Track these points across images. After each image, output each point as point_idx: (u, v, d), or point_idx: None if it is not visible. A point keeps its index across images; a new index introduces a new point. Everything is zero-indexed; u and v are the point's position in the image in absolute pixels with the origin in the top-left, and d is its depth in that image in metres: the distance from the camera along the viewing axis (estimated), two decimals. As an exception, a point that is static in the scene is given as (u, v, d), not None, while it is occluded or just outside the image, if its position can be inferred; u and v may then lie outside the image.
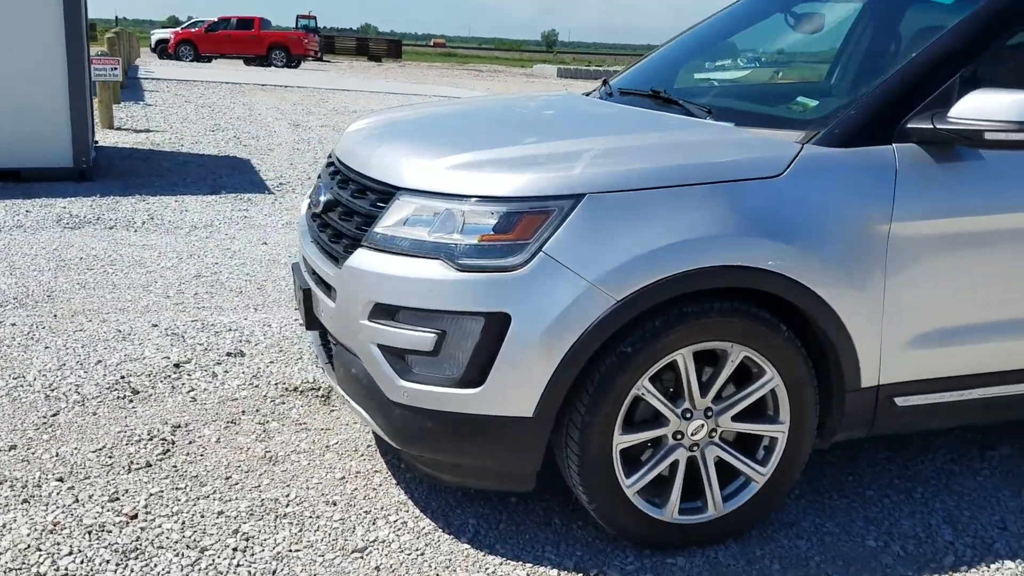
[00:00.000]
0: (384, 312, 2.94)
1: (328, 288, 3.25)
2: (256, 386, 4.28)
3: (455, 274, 2.80)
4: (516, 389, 2.82)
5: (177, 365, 4.46)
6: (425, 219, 2.93)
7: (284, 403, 4.12)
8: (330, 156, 3.85)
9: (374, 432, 3.38)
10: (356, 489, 3.42)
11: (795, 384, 3.03)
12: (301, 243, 3.71)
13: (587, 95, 4.49)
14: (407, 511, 3.29)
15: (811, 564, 3.08)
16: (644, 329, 2.81)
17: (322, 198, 3.43)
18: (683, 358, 2.92)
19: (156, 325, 5.03)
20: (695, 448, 3.04)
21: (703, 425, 3.02)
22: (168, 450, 3.62)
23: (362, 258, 3.02)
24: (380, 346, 2.96)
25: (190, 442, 3.71)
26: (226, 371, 4.43)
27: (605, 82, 4.41)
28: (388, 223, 3.00)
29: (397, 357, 2.94)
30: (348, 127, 3.91)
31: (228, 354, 4.65)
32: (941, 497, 3.55)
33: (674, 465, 3.05)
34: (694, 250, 2.80)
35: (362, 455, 3.68)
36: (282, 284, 5.98)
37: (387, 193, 3.05)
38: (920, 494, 3.57)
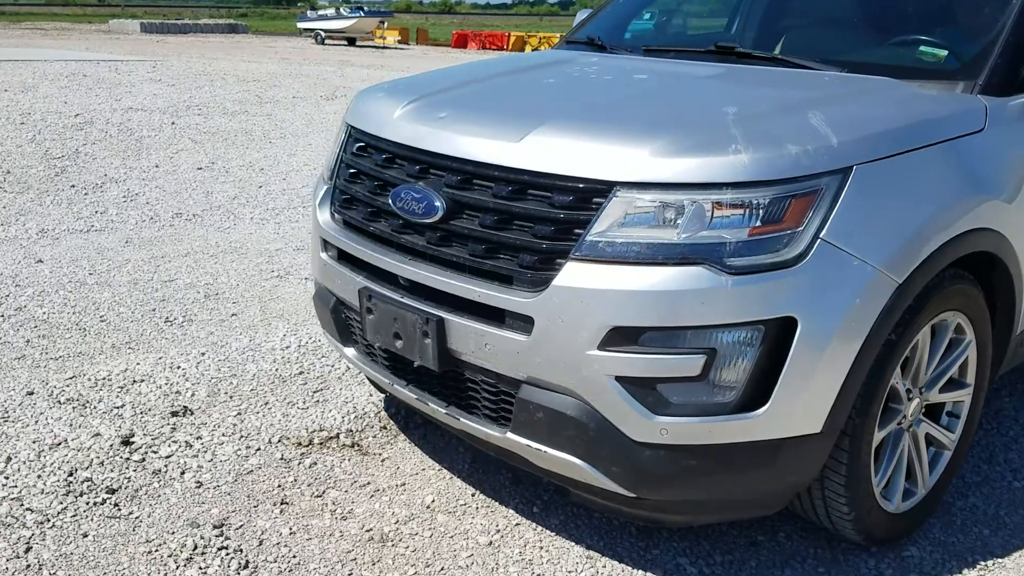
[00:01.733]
0: (623, 337, 2.35)
1: (493, 317, 2.55)
2: (258, 449, 3.33)
3: (726, 278, 2.30)
4: (806, 403, 2.41)
5: (126, 442, 3.34)
6: (649, 217, 2.37)
7: (315, 462, 3.25)
8: (368, 144, 3.02)
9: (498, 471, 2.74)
10: (533, 550, 2.78)
11: (983, 343, 2.94)
12: (359, 259, 2.88)
13: (582, 56, 3.97)
14: (629, 557, 2.74)
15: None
16: (904, 312, 2.53)
17: (436, 203, 2.65)
18: (922, 336, 2.69)
19: (32, 393, 3.74)
20: (910, 428, 2.84)
21: (917, 403, 2.82)
22: (246, 562, 2.68)
23: (579, 274, 2.38)
24: (621, 378, 2.37)
25: (259, 543, 2.78)
26: (196, 437, 3.40)
27: (596, 42, 3.92)
28: (602, 227, 2.39)
29: (646, 389, 2.38)
30: (378, 107, 3.09)
31: (173, 414, 3.58)
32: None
33: (901, 451, 2.83)
34: (950, 218, 2.58)
35: (478, 507, 3.01)
36: (136, 314, 4.76)
37: (593, 191, 2.42)
38: None
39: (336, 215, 3.12)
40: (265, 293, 5.12)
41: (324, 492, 3.07)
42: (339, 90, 14.69)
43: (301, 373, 4.00)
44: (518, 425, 2.59)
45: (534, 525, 2.93)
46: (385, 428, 3.52)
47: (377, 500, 3.04)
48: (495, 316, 2.55)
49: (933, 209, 2.55)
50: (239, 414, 3.59)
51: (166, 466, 3.18)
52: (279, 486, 3.09)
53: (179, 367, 4.02)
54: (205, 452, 3.29)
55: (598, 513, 2.99)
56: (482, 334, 2.56)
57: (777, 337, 2.35)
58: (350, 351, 3.18)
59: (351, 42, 42.48)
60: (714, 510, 2.64)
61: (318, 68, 19.86)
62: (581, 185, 2.43)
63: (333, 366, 4.09)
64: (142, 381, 3.86)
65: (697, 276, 2.31)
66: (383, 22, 45.12)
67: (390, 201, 2.79)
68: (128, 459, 3.22)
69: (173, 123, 10.87)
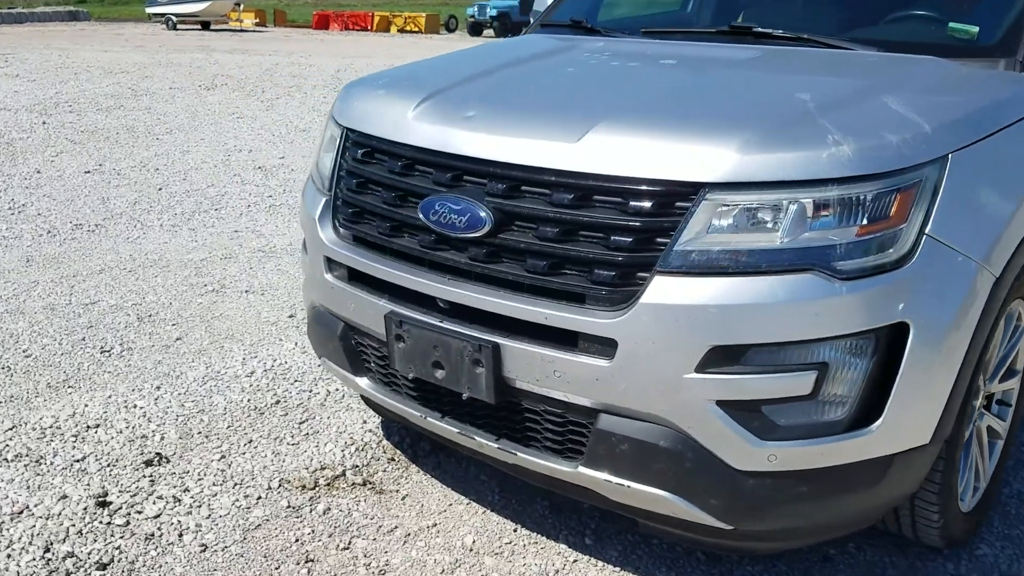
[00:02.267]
0: (725, 357, 2.11)
1: (563, 341, 2.26)
2: (259, 497, 2.94)
3: (839, 284, 2.09)
4: (917, 414, 2.23)
5: (101, 503, 2.89)
6: (744, 221, 2.13)
7: (328, 508, 2.89)
8: (377, 149, 2.66)
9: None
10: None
11: (1034, 327, 2.84)
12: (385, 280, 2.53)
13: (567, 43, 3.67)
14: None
15: None
16: (996, 306, 2.38)
17: (481, 215, 2.33)
18: (999, 328, 2.56)
19: (-31, 449, 3.22)
20: (976, 422, 2.72)
21: (982, 396, 2.70)
22: (289, 641, 2.31)
23: (670, 289, 2.12)
24: (722, 403, 2.13)
25: (298, 616, 2.42)
26: (183, 490, 2.98)
27: (584, 25, 3.62)
28: (691, 235, 2.13)
29: (751, 413, 2.14)
30: (382, 106, 2.72)
31: (147, 464, 3.13)
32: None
33: (972, 447, 2.70)
34: (1033, 202, 2.43)
35: (525, 545, 2.73)
36: (64, 345, 4.22)
37: (675, 194, 2.15)
38: None
39: (342, 230, 2.75)
40: (205, 311, 4.64)
41: (350, 543, 2.72)
42: (218, 79, 13.88)
43: (278, 403, 3.60)
44: (594, 459, 2.32)
45: (593, 560, 2.67)
46: (393, 460, 3.18)
47: (412, 546, 2.71)
48: (566, 340, 2.26)
49: (1020, 195, 2.40)
50: (223, 457, 3.18)
51: (158, 529, 2.76)
52: (297, 540, 2.72)
53: (135, 406, 3.55)
54: (199, 507, 2.87)
55: (657, 539, 2.75)
56: (549, 360, 2.27)
57: (889, 345, 2.16)
58: (363, 381, 2.83)
59: (205, 26, 40.57)
60: (809, 534, 2.44)
61: (186, 56, 18.76)
62: (660, 189, 2.16)
63: (311, 391, 3.70)
64: (97, 426, 3.38)
65: (808, 284, 2.08)
66: (239, 4, 43.26)
67: (420, 214, 2.45)
68: (110, 524, 2.77)
69: (44, 122, 9.97)
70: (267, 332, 4.33)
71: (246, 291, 4.94)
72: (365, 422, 3.43)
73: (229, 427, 3.39)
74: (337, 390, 3.70)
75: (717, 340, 2.10)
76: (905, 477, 2.30)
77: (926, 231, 2.17)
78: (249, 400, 3.61)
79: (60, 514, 2.81)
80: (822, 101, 2.36)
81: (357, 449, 3.23)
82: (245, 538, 2.73)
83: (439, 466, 3.14)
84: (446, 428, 2.60)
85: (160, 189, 7.31)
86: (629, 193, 2.19)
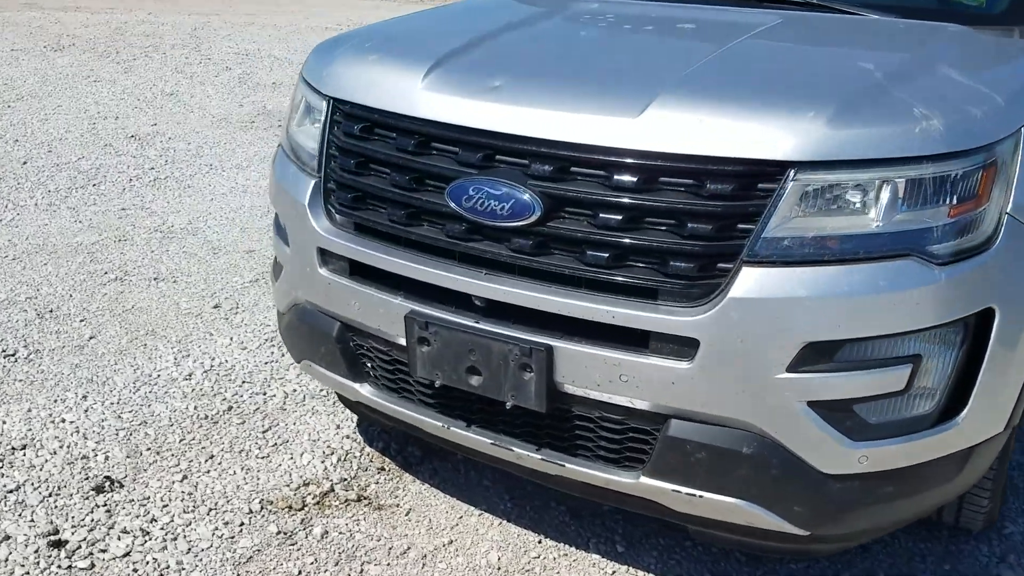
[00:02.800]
0: (818, 354, 1.93)
1: (631, 341, 2.02)
2: (241, 524, 2.58)
3: (938, 270, 1.94)
4: (996, 403, 2.14)
5: (55, 543, 2.46)
6: (836, 203, 1.95)
7: (325, 531, 2.57)
8: (379, 124, 2.32)
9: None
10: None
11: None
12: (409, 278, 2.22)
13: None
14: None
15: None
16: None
17: (527, 199, 2.06)
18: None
19: None
20: None
21: None
22: None
23: (761, 281, 1.92)
24: (814, 404, 1.96)
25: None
26: (149, 520, 2.58)
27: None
28: (780, 220, 1.93)
29: (843, 413, 1.98)
30: (379, 74, 2.38)
31: (97, 491, 2.71)
32: None
33: (1005, 427, 2.64)
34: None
35: (555, 558, 2.49)
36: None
37: (758, 174, 1.94)
38: None
39: (339, 217, 2.40)
40: (113, 304, 4.13)
41: (362, 570, 2.41)
42: (63, 39, 12.66)
43: (231, 409, 3.20)
44: (660, 468, 2.10)
45: (631, 570, 2.46)
46: (384, 469, 2.87)
47: (432, 569, 2.43)
48: (635, 340, 2.03)
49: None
50: (185, 477, 2.79)
51: (133, 571, 2.36)
52: (300, 573, 2.39)
53: (64, 420, 3.08)
54: (174, 540, 2.49)
55: (691, 541, 2.57)
56: (615, 364, 2.03)
57: (976, 333, 2.03)
58: (364, 388, 2.50)
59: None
60: (877, 532, 2.32)
61: (23, 15, 17.13)
62: (741, 169, 1.95)
63: (264, 394, 3.32)
64: (24, 448, 2.91)
65: (908, 271, 1.92)
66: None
67: (448, 200, 2.15)
68: (71, 568, 2.36)
69: None
70: (193, 326, 3.88)
71: (155, 279, 4.43)
72: (339, 427, 3.09)
73: (182, 441, 2.98)
74: (296, 391, 3.34)
75: (812, 336, 1.91)
76: (978, 467, 2.20)
77: (1007, 210, 2.05)
78: (196, 408, 3.20)
79: (7, 559, 2.37)
80: (887, 71, 2.19)
81: (340, 459, 2.90)
82: (239, 567, 2.37)
83: (436, 473, 2.86)
84: (475, 439, 2.32)
85: (24, 163, 6.54)
86: (704, 174, 1.96)
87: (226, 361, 3.55)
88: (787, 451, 1.99)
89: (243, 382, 3.40)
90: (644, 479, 2.13)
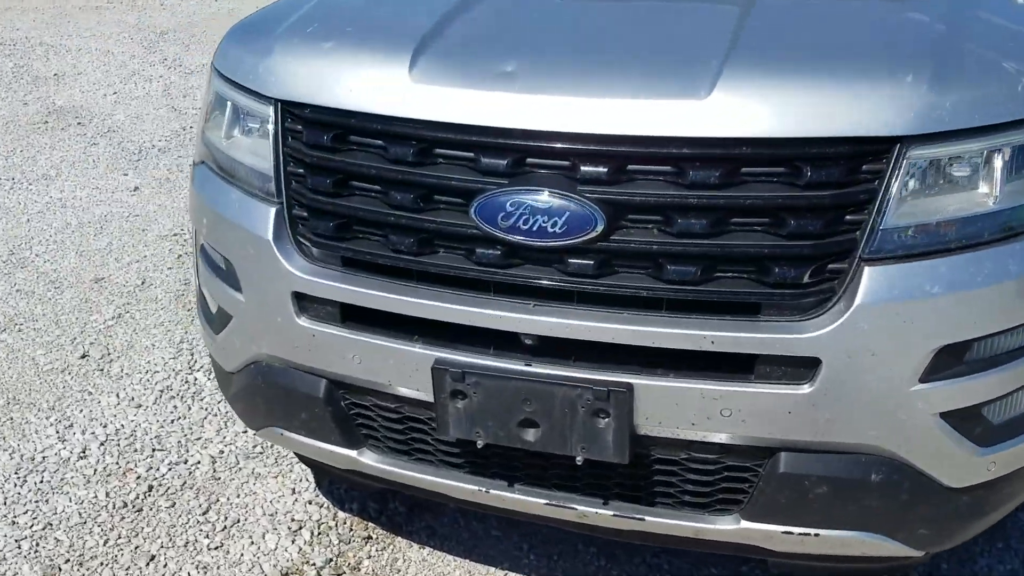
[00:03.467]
0: (951, 358, 1.67)
1: (733, 368, 1.68)
2: (222, 644, 2.06)
3: (1060, 247, 1.72)
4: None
5: None
6: (951, 181, 1.68)
7: (330, 635, 2.09)
8: (361, 130, 1.85)
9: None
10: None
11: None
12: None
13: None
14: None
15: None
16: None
17: (585, 212, 1.66)
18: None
19: None
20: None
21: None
22: None
23: (888, 281, 1.63)
24: (947, 414, 1.70)
25: None
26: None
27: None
28: (896, 206, 1.65)
29: (973, 419, 1.74)
30: (346, 65, 1.89)
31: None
32: None
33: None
34: None
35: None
36: None
37: (862, 154, 1.63)
38: None
39: (317, 251, 1.91)
40: (-51, 368, 3.36)
41: None
42: None
43: (152, 488, 2.62)
44: (767, 509, 1.79)
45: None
46: (371, 538, 2.41)
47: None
48: (737, 366, 1.69)
49: None
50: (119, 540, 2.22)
51: None
52: None
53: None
54: None
55: (749, 566, 2.29)
56: (716, 397, 1.69)
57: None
58: (366, 456, 2.04)
59: None
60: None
61: None
62: (840, 150, 1.64)
63: (186, 462, 2.76)
64: None
65: (1030, 251, 1.69)
66: None
67: (477, 220, 1.72)
68: None
69: None
70: (64, 386, 3.20)
71: (3, 330, 3.67)
72: (295, 491, 2.59)
73: (107, 543, 2.39)
74: (224, 452, 2.79)
75: (947, 338, 1.65)
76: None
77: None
78: (108, 494, 2.59)
79: None
80: (946, 22, 1.93)
81: (314, 534, 2.41)
82: None
83: (433, 532, 2.43)
84: (523, 501, 1.92)
85: None
86: (799, 160, 1.64)
87: (122, 426, 2.93)
88: (917, 471, 1.72)
89: (154, 450, 2.81)
90: (745, 523, 1.81)
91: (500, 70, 1.79)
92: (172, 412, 3.01)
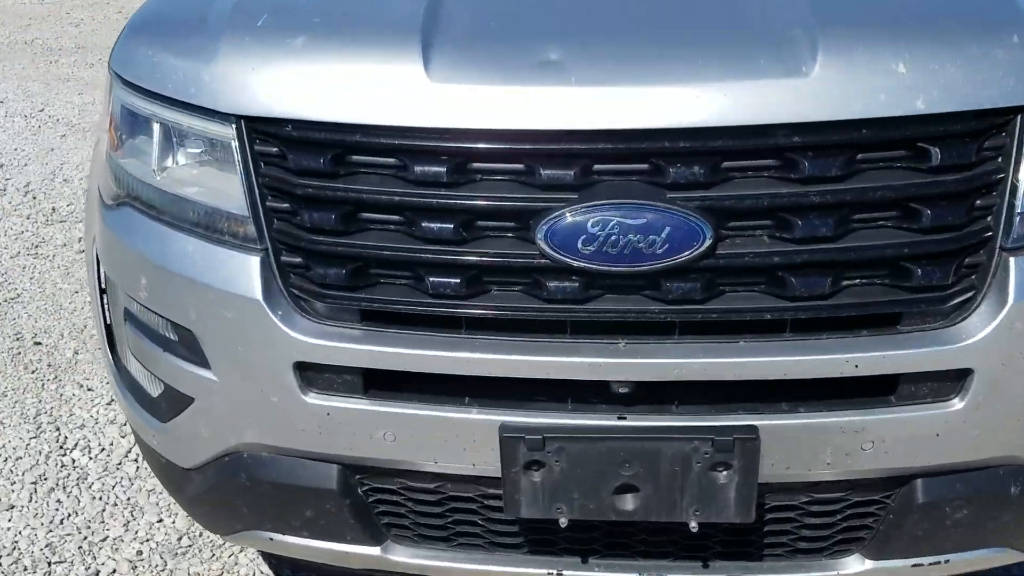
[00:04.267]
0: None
1: (873, 392, 1.43)
2: None
3: None
4: None
5: None
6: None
7: None
8: (370, 148, 1.43)
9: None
10: None
11: None
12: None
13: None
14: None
15: None
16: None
17: (688, 225, 1.34)
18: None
19: None
20: None
21: None
22: None
23: (1042, 276, 1.42)
24: (1086, 411, 1.52)
25: None
26: None
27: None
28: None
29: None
30: (335, 70, 1.46)
31: None
32: None
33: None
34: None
35: None
36: None
37: (981, 131, 1.41)
38: None
39: (325, 306, 1.48)
40: None
41: None
42: None
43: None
44: (897, 545, 1.56)
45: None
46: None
47: None
48: (878, 390, 1.44)
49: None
50: None
51: None
52: None
53: None
54: None
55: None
56: (857, 429, 1.43)
57: None
58: (394, 551, 1.63)
59: None
60: None
61: None
62: (961, 126, 1.41)
63: (132, 563, 2.21)
64: None
65: None
66: None
67: (547, 247, 1.36)
68: None
69: None
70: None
71: None
72: (257, 591, 2.11)
73: None
74: (142, 553, 2.26)
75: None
76: None
77: None
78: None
79: None
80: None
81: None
82: None
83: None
84: (606, 577, 1.59)
85: None
86: (922, 140, 1.40)
87: (54, 519, 2.34)
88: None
89: (50, 564, 2.23)
90: (871, 563, 1.57)
91: (541, 59, 1.42)
92: (58, 509, 2.43)
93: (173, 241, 1.56)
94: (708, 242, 1.35)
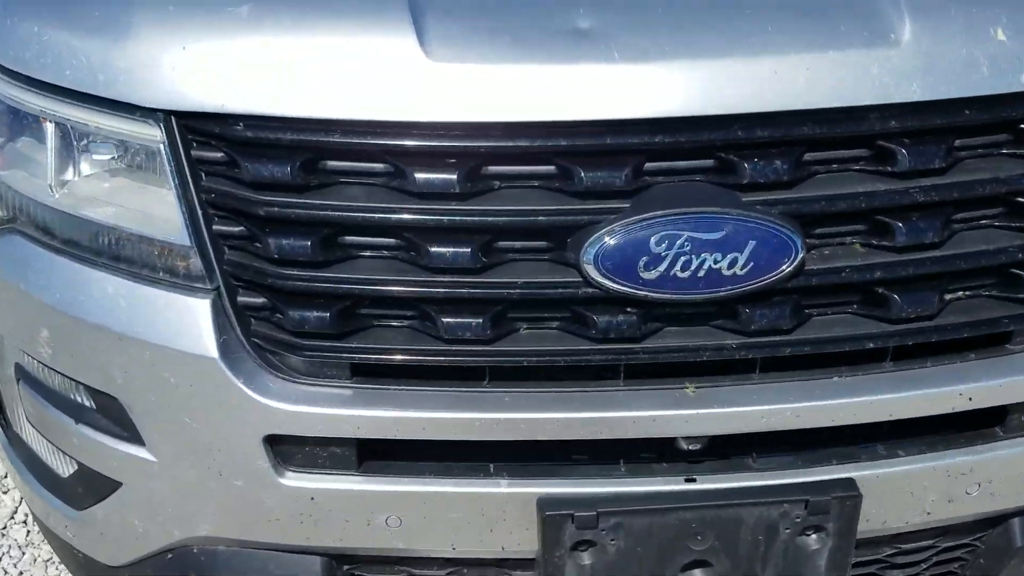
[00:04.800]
0: None
1: (978, 425, 1.19)
2: None
3: None
4: None
5: None
6: None
7: None
8: (369, 149, 1.09)
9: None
10: None
11: None
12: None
13: None
14: None
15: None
16: None
17: (778, 232, 1.06)
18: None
19: None
20: None
21: None
22: None
23: None
24: None
25: None
26: None
27: None
28: None
29: None
30: (367, 54, 1.10)
31: None
32: None
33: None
34: None
35: None
36: None
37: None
38: None
39: (303, 361, 1.13)
40: None
41: None
42: None
43: None
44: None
45: None
46: None
47: None
48: (982, 423, 1.20)
49: None
50: None
51: None
52: None
53: None
54: None
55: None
56: (965, 471, 1.19)
57: None
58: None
59: None
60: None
61: None
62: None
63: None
64: None
65: None
66: None
67: (595, 271, 1.05)
68: None
69: None
70: None
71: None
72: None
73: None
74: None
75: None
76: None
77: None
78: None
79: None
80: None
81: None
82: None
83: None
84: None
85: None
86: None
87: None
88: None
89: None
90: (957, 613, 1.35)
91: (569, 27, 1.10)
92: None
93: (84, 280, 1.17)
94: (800, 256, 1.07)
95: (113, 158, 1.18)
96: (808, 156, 1.11)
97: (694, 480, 1.14)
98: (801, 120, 1.08)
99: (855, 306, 1.14)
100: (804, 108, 1.08)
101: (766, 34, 1.10)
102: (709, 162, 1.09)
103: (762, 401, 1.11)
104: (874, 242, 1.12)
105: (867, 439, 1.18)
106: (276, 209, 1.08)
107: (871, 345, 1.13)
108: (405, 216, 1.08)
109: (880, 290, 1.12)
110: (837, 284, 1.11)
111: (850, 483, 1.14)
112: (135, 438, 1.18)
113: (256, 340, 1.12)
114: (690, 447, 1.14)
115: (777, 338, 1.11)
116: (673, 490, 1.14)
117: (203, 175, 1.12)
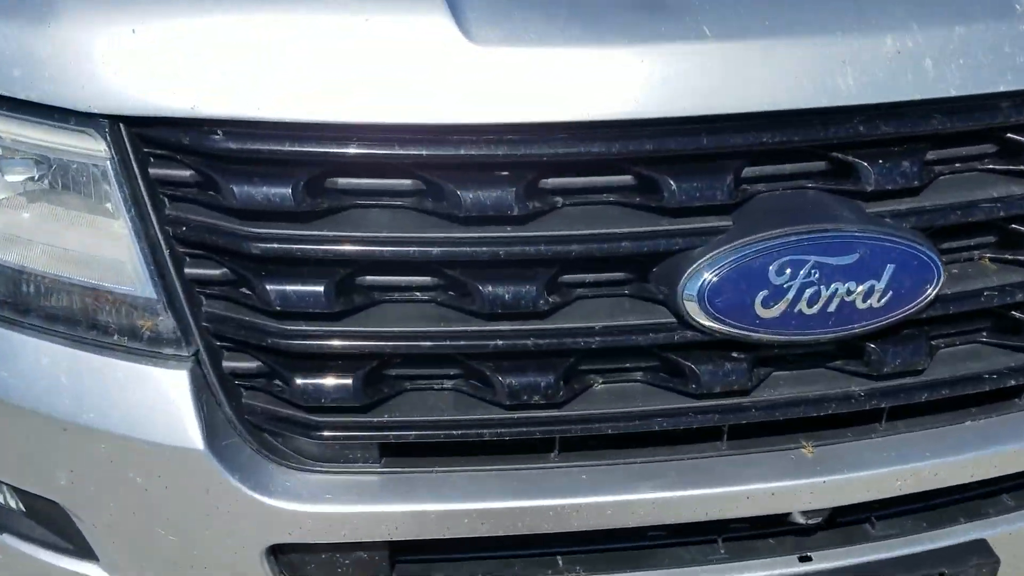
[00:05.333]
0: None
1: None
2: None
3: None
4: None
5: None
6: None
7: None
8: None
9: None
10: None
11: None
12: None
13: None
14: None
15: None
16: None
17: (918, 252, 0.85)
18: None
19: None
20: None
21: None
22: None
23: None
24: None
25: None
26: None
27: None
28: None
29: None
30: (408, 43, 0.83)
31: None
32: None
33: None
34: None
35: None
36: None
37: None
38: None
39: (322, 442, 0.86)
40: None
41: None
42: None
43: None
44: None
45: None
46: None
47: None
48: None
49: None
50: None
51: None
52: None
53: None
54: None
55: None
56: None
57: None
58: None
59: None
60: None
61: None
62: None
63: None
64: None
65: None
66: None
67: (697, 307, 0.82)
68: None
69: None
70: None
71: None
72: None
73: None
74: None
75: None
76: None
77: None
78: None
79: None
80: None
81: None
82: None
83: None
84: None
85: None
86: None
87: None
88: None
89: None
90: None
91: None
92: None
93: (7, 349, 0.86)
94: (942, 280, 0.86)
95: (28, 178, 0.88)
96: (930, 155, 0.90)
97: (809, 559, 0.93)
98: (929, 111, 0.87)
99: (985, 334, 0.94)
100: (933, 97, 0.87)
101: (885, 8, 0.88)
102: (820, 165, 0.87)
103: (893, 460, 0.91)
104: (1008, 256, 0.93)
105: (992, 489, 0.99)
106: (274, 245, 0.80)
107: (1013, 383, 0.93)
108: (445, 248, 0.82)
109: (1015, 314, 0.93)
110: (973, 311, 0.91)
111: (983, 546, 0.95)
112: (83, 552, 0.89)
113: (251, 419, 0.84)
114: (809, 521, 0.92)
115: (910, 380, 0.90)
116: (786, 573, 0.92)
117: (167, 200, 0.83)
